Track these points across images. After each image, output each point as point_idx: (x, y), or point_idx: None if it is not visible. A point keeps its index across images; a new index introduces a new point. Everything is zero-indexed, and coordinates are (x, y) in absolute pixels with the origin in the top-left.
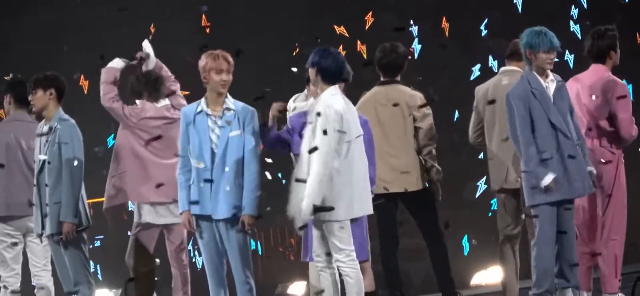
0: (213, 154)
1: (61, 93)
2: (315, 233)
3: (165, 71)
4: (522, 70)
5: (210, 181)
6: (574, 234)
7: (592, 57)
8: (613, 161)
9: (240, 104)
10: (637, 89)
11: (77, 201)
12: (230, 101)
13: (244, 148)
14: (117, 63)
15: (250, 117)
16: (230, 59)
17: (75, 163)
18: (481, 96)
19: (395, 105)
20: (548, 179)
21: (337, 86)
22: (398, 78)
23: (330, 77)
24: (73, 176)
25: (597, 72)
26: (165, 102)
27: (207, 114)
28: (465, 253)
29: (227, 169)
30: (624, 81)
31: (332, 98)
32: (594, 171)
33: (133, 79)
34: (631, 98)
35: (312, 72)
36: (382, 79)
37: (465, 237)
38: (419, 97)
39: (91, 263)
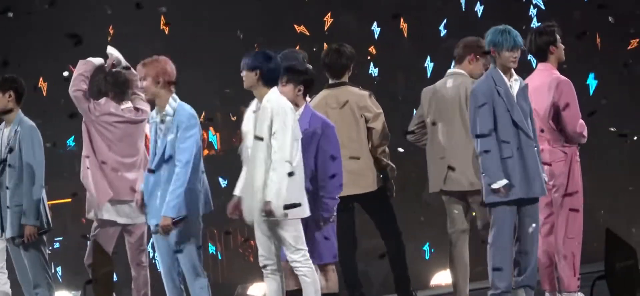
0: (154, 159)
1: (20, 95)
2: (262, 236)
3: (133, 74)
4: (467, 73)
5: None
6: (535, 234)
7: (534, 56)
8: (565, 160)
9: (179, 106)
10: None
11: (39, 203)
12: (170, 105)
13: (175, 148)
14: (97, 60)
15: (187, 118)
16: (139, 67)
17: (36, 165)
18: (426, 96)
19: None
20: (500, 183)
21: (276, 87)
22: (345, 79)
23: (271, 80)
24: (34, 178)
25: (543, 72)
26: (128, 104)
27: (154, 121)
28: (427, 257)
29: (163, 173)
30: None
31: (283, 100)
32: (546, 179)
33: (101, 78)
34: (590, 93)
35: (251, 76)
36: (330, 81)
37: (427, 245)
38: (368, 96)
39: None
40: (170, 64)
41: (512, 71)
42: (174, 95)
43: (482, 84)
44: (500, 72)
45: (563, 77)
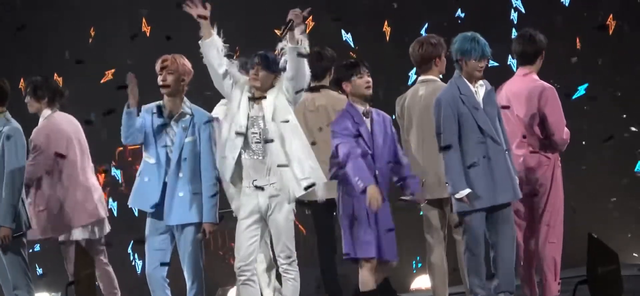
0: (167, 157)
1: (4, 97)
2: (247, 240)
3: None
4: (437, 77)
5: (164, 183)
6: (510, 239)
7: (521, 59)
8: (548, 166)
9: (197, 108)
10: (574, 91)
11: (16, 206)
12: (186, 105)
13: (200, 154)
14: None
15: (206, 123)
16: (169, 59)
17: (18, 168)
18: (399, 106)
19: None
20: (463, 193)
21: None
22: (326, 82)
23: None
24: (14, 181)
25: (525, 77)
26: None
27: (163, 117)
28: (414, 271)
29: (181, 175)
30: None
31: None
32: (517, 181)
33: (41, 80)
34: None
35: (271, 77)
36: (311, 84)
37: (415, 262)
38: (345, 101)
39: (35, 265)
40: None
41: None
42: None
43: (446, 93)
44: (465, 79)
45: (547, 84)
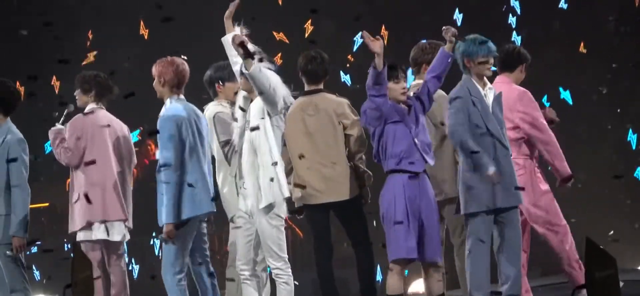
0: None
1: (10, 104)
2: (243, 239)
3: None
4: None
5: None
6: (516, 243)
7: (504, 64)
8: (525, 170)
9: (166, 109)
10: (573, 94)
11: (27, 215)
12: (164, 107)
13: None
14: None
15: (161, 122)
16: (154, 64)
17: (25, 178)
18: None
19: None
20: (491, 169)
21: None
22: (321, 86)
23: None
24: (24, 191)
25: (506, 84)
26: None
27: None
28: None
29: (161, 176)
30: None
31: None
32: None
33: (90, 75)
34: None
35: (248, 84)
36: (306, 88)
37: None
38: (346, 103)
39: (33, 267)
40: (177, 67)
41: (486, 79)
42: (177, 97)
43: (459, 91)
44: (475, 82)
45: (523, 88)
